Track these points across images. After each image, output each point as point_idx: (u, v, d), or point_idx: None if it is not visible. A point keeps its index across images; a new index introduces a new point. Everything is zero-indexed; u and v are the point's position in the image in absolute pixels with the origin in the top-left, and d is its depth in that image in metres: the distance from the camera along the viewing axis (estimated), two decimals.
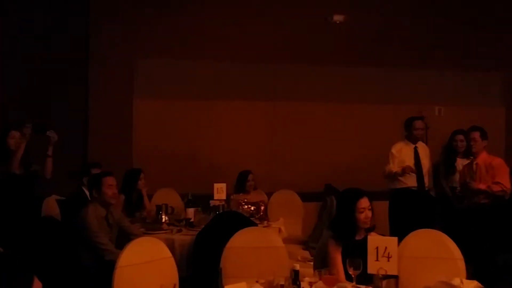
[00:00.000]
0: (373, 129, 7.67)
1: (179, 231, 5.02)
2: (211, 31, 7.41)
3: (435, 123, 7.39)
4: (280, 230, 5.36)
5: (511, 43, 8.11)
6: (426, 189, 6.18)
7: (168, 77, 7.37)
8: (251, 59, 7.55)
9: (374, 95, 7.84)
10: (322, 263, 3.49)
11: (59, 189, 5.81)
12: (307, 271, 3.41)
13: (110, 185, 4.60)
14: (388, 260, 3.09)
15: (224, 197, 5.74)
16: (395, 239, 3.19)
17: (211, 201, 5.70)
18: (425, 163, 6.20)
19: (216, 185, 5.71)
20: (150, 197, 6.16)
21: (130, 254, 3.32)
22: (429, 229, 3.73)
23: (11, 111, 6.68)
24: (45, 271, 2.96)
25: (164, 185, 6.68)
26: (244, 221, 4.67)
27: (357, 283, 3.09)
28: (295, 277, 3.00)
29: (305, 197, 6.99)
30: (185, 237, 4.83)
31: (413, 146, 6.24)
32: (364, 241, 3.25)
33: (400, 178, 6.09)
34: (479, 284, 2.97)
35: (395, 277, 3.04)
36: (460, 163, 5.94)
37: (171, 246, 4.34)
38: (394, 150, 6.18)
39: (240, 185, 6.41)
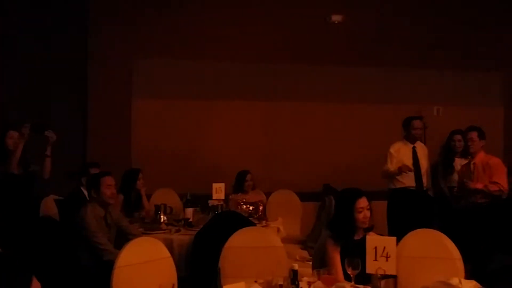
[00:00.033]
0: (372, 129, 7.67)
1: (178, 231, 5.01)
2: (211, 31, 7.42)
3: (434, 123, 7.39)
4: (278, 230, 5.36)
5: (511, 43, 8.10)
6: (425, 189, 6.17)
7: (167, 77, 7.38)
8: (251, 59, 7.55)
9: (374, 95, 7.83)
10: (320, 263, 3.49)
11: (57, 189, 5.81)
12: (305, 271, 3.39)
13: (109, 185, 4.60)
14: (387, 260, 3.08)
15: (222, 197, 5.73)
16: (394, 239, 3.18)
17: (209, 201, 5.69)
18: (424, 163, 6.20)
19: (214, 185, 5.70)
20: (148, 197, 6.16)
21: (129, 254, 3.31)
22: (428, 229, 3.73)
23: (11, 111, 6.69)
24: (44, 271, 2.96)
25: (162, 185, 6.68)
26: (243, 221, 4.66)
27: (356, 283, 3.08)
28: (294, 277, 2.99)
29: (304, 197, 6.99)
30: (183, 237, 4.82)
31: (412, 146, 6.24)
32: (363, 241, 3.25)
33: (398, 178, 6.09)
34: (478, 284, 2.97)
35: (394, 277, 3.04)
36: (458, 163, 5.94)
37: (169, 246, 4.33)
38: (392, 149, 6.18)
39: (238, 185, 6.40)
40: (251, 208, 5.73)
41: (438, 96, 8.00)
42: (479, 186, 5.35)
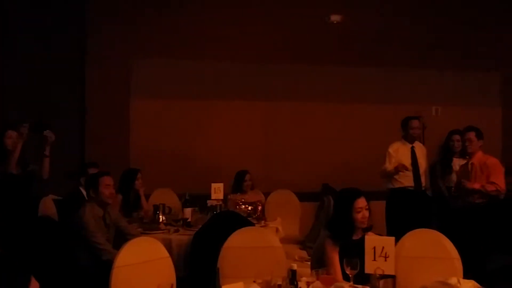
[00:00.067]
0: (371, 129, 7.66)
1: (177, 231, 5.00)
2: (211, 31, 7.42)
3: (432, 123, 7.38)
4: (277, 230, 5.35)
5: (511, 43, 8.10)
6: (423, 189, 6.17)
7: (166, 77, 7.38)
8: (250, 59, 7.55)
9: (374, 95, 7.83)
10: (319, 263, 3.48)
11: (56, 189, 5.80)
12: (304, 271, 3.39)
13: (107, 185, 4.60)
14: (385, 260, 3.07)
15: (221, 197, 5.72)
16: (392, 239, 3.17)
17: (208, 201, 5.69)
18: (422, 163, 6.20)
19: (213, 185, 5.70)
20: (147, 197, 6.15)
21: (128, 254, 3.31)
22: (426, 229, 3.73)
23: (11, 111, 6.68)
24: (42, 271, 2.95)
25: (161, 185, 6.68)
26: (242, 221, 4.66)
27: (355, 282, 3.07)
28: (293, 277, 2.99)
29: (303, 197, 6.99)
30: (182, 237, 4.81)
31: (410, 145, 6.24)
32: (362, 241, 3.24)
33: (396, 178, 6.10)
34: (476, 284, 2.96)
35: (392, 276, 3.03)
36: (457, 163, 5.95)
37: (168, 246, 4.33)
38: (391, 149, 6.19)
39: (237, 185, 6.39)
40: (249, 208, 5.72)
41: (437, 96, 8.00)
42: (476, 186, 5.34)
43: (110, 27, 7.18)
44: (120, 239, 4.49)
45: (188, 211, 5.31)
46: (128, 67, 7.30)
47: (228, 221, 4.63)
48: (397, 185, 6.12)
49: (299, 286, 3.00)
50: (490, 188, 5.29)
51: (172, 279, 3.42)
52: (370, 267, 3.06)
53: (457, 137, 6.01)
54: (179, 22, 7.39)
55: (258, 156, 7.48)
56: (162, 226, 5.10)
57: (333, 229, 3.53)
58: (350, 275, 3.08)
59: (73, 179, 5.87)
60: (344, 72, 7.78)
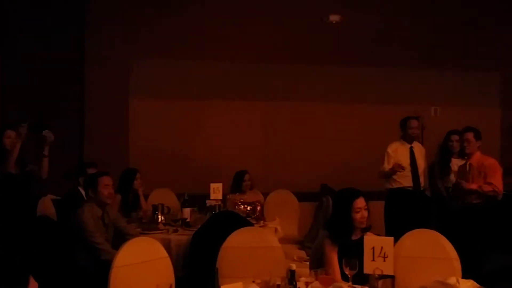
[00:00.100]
0: (371, 129, 7.65)
1: (175, 231, 5.00)
2: (211, 31, 7.41)
3: (431, 123, 7.38)
4: (276, 230, 5.34)
5: (511, 43, 8.09)
6: (422, 189, 6.17)
7: (165, 77, 7.38)
8: (250, 59, 7.55)
9: (373, 95, 7.83)
10: (318, 263, 3.48)
11: (55, 189, 5.80)
12: (303, 271, 3.39)
13: (106, 185, 4.60)
14: (384, 260, 3.07)
15: (220, 197, 5.72)
16: (391, 239, 3.17)
17: (207, 201, 5.69)
18: (421, 163, 6.20)
19: (212, 185, 5.69)
20: (146, 197, 6.14)
21: (126, 254, 3.31)
22: (425, 229, 3.74)
23: (11, 111, 6.68)
24: (41, 271, 2.95)
25: (160, 185, 6.66)
26: (240, 221, 4.65)
27: (353, 283, 3.08)
28: (291, 277, 2.99)
29: (301, 197, 6.99)
30: (181, 237, 4.81)
31: (409, 146, 6.24)
32: (360, 241, 3.23)
33: (395, 178, 6.11)
34: (475, 283, 2.96)
35: (391, 277, 3.02)
36: (455, 163, 5.93)
37: (167, 246, 4.34)
38: (390, 149, 6.19)
39: (236, 185, 6.38)
40: (248, 208, 5.72)
41: (436, 96, 7.99)
42: (473, 186, 5.34)
43: (110, 27, 7.18)
44: (119, 239, 4.49)
45: (187, 211, 5.31)
46: (127, 67, 7.30)
47: (227, 221, 4.62)
48: (396, 185, 6.12)
49: (298, 286, 3.00)
50: (487, 188, 5.28)
51: (171, 279, 3.42)
52: (369, 267, 3.06)
53: (455, 137, 6.00)
54: (179, 22, 7.38)
55: (257, 156, 7.48)
56: (161, 226, 5.10)
57: (332, 229, 3.53)
58: (349, 275, 3.08)
59: (72, 179, 5.85)
60: (344, 72, 7.77)
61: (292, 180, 7.23)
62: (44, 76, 6.94)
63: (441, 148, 6.20)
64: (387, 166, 6.10)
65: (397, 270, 3.16)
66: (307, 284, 3.02)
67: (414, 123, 6.24)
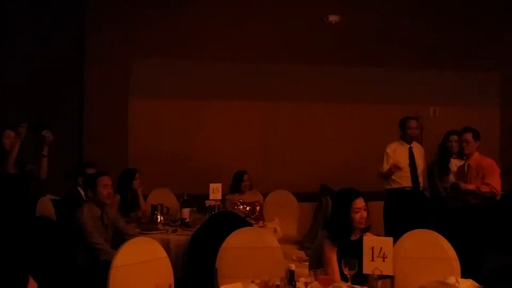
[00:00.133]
0: (370, 129, 7.64)
1: (175, 231, 5.00)
2: (211, 31, 7.41)
3: (431, 123, 7.38)
4: (275, 230, 5.34)
5: (511, 43, 8.09)
6: (421, 189, 6.18)
7: (165, 77, 7.38)
8: (250, 59, 7.54)
9: (373, 95, 7.82)
10: (317, 263, 3.48)
11: (54, 189, 5.80)
12: (302, 271, 3.39)
13: (105, 185, 4.60)
14: (384, 260, 3.08)
15: (219, 197, 5.72)
16: (391, 239, 3.17)
17: (206, 201, 5.68)
18: (420, 163, 6.20)
19: (211, 185, 5.69)
20: (145, 197, 6.13)
21: (126, 254, 3.32)
22: (424, 230, 3.75)
23: (11, 111, 6.68)
24: (41, 271, 2.96)
25: (159, 185, 6.66)
26: (240, 221, 4.66)
27: (353, 283, 3.08)
28: (291, 277, 3.00)
29: (301, 197, 6.99)
30: (180, 237, 4.82)
31: (408, 146, 6.25)
32: (360, 241, 3.24)
33: (394, 178, 6.11)
34: (475, 283, 2.97)
35: (391, 277, 3.03)
36: (454, 163, 5.93)
37: (166, 246, 4.35)
38: (389, 150, 6.20)
39: (235, 185, 6.38)
40: (248, 208, 5.72)
41: (436, 96, 7.98)
42: (471, 187, 5.34)
43: (110, 27, 7.18)
44: (118, 239, 4.50)
45: (186, 211, 5.30)
46: (127, 67, 7.29)
47: (226, 222, 4.62)
48: (395, 186, 6.13)
49: (297, 287, 3.00)
50: (485, 189, 5.28)
51: (170, 279, 3.43)
52: (368, 268, 3.07)
53: (454, 137, 5.99)
54: (179, 22, 7.38)
55: (257, 156, 7.48)
56: (160, 226, 5.10)
57: (331, 230, 3.53)
58: (348, 276, 3.09)
59: (71, 179, 5.85)
60: (344, 72, 7.77)
61: (291, 180, 7.22)
62: (44, 76, 6.94)
63: (440, 148, 6.19)
64: (386, 167, 6.10)
65: (396, 270, 3.17)
66: (306, 284, 3.03)
67: (413, 123, 6.24)
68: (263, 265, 3.53)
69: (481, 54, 8.00)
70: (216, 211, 5.45)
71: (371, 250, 3.10)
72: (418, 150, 6.29)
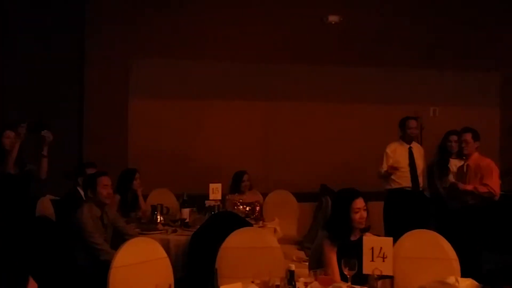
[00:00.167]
0: (370, 129, 7.64)
1: (174, 231, 4.99)
2: (211, 31, 7.41)
3: (430, 123, 7.37)
4: (275, 231, 5.34)
5: (511, 43, 8.09)
6: (421, 189, 6.18)
7: (165, 77, 7.38)
8: (250, 59, 7.54)
9: (373, 95, 7.82)
10: (317, 264, 3.48)
11: (54, 189, 5.79)
12: (302, 272, 3.38)
13: (105, 185, 4.60)
14: (383, 261, 3.08)
15: (219, 197, 5.71)
16: (390, 239, 3.17)
17: (206, 201, 5.68)
18: (420, 164, 6.21)
19: (211, 185, 5.69)
20: (145, 197, 6.13)
21: (125, 254, 3.32)
22: (424, 230, 3.75)
23: (11, 111, 6.68)
24: (41, 271, 2.96)
25: (159, 185, 6.66)
26: (240, 222, 4.65)
27: (353, 283, 3.08)
28: (291, 277, 3.00)
29: (301, 197, 6.99)
30: (180, 238, 4.81)
31: (408, 146, 6.25)
32: (360, 242, 3.24)
33: (394, 178, 6.12)
34: (474, 282, 2.97)
35: (390, 277, 3.03)
36: (454, 163, 5.93)
37: (166, 246, 4.34)
38: (388, 150, 6.20)
39: (235, 185, 6.37)
40: (247, 208, 5.72)
41: (436, 96, 7.97)
42: (469, 187, 5.34)
43: (110, 27, 7.18)
44: (118, 239, 4.49)
45: (186, 212, 5.30)
46: (127, 67, 7.29)
47: (226, 222, 4.62)
48: (395, 186, 6.13)
49: (297, 287, 3.00)
50: (483, 189, 5.29)
51: (170, 279, 3.43)
52: (368, 268, 3.07)
53: (454, 137, 5.99)
54: (179, 22, 7.38)
55: (257, 156, 7.48)
56: (160, 226, 5.09)
57: (331, 230, 3.53)
58: (348, 276, 3.09)
59: (71, 179, 5.85)
60: (344, 72, 7.77)
61: (291, 181, 7.22)
62: (44, 76, 6.94)
63: (439, 149, 6.19)
64: (385, 166, 6.11)
65: (396, 271, 3.17)
66: (306, 284, 3.03)
67: (413, 123, 6.24)
68: (263, 265, 3.53)
69: (481, 54, 8.00)
70: (216, 211, 5.44)
71: (371, 250, 3.10)
72: (418, 150, 6.29)
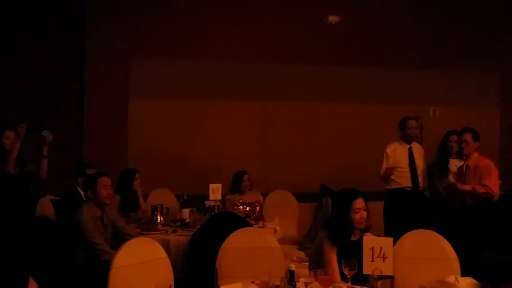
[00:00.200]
0: (370, 129, 7.64)
1: (175, 231, 5.00)
2: (211, 31, 7.41)
3: (430, 123, 7.37)
4: (275, 231, 5.34)
5: (511, 43, 8.08)
6: (421, 189, 6.18)
7: (165, 77, 7.38)
8: (250, 59, 7.54)
9: (373, 95, 7.82)
10: (317, 264, 3.47)
11: (54, 189, 5.79)
12: (302, 272, 3.39)
13: (105, 185, 4.60)
14: (383, 261, 3.07)
15: (219, 197, 5.71)
16: (391, 239, 3.17)
17: (206, 202, 5.68)
18: (420, 164, 6.21)
19: (211, 186, 5.68)
20: (145, 197, 6.14)
21: (126, 254, 3.32)
22: (424, 230, 3.75)
23: (11, 111, 6.68)
24: (41, 271, 2.95)
25: (159, 185, 6.66)
26: (240, 222, 4.65)
27: (353, 283, 3.08)
28: (291, 277, 3.00)
29: (301, 197, 6.99)
30: (180, 238, 4.82)
31: (408, 146, 6.25)
32: (360, 242, 3.24)
33: (394, 178, 6.13)
34: (474, 281, 2.97)
35: (391, 277, 3.03)
36: (454, 163, 5.93)
37: (166, 246, 4.34)
38: (388, 150, 6.21)
39: (235, 185, 6.37)
40: (247, 208, 5.72)
41: (436, 96, 7.97)
42: (467, 188, 5.34)
43: (110, 27, 7.18)
44: (118, 239, 4.50)
45: (186, 212, 5.30)
46: (127, 67, 7.29)
47: (226, 222, 4.62)
48: (395, 186, 6.14)
49: (297, 287, 3.00)
50: (481, 190, 5.29)
51: (170, 279, 3.43)
52: (368, 268, 3.07)
53: (454, 137, 5.99)
54: (179, 22, 7.38)
55: (257, 156, 7.48)
56: (160, 226, 5.10)
57: (331, 230, 3.52)
58: (348, 276, 3.09)
59: (71, 180, 5.85)
60: (344, 72, 7.77)
61: (291, 181, 7.22)
62: (44, 76, 6.94)
63: (439, 149, 6.19)
64: (385, 166, 6.12)
65: (396, 271, 3.16)
66: (306, 284, 3.03)
67: (413, 123, 6.24)
68: (263, 265, 3.53)
69: (481, 54, 8.00)
70: (216, 211, 5.44)
71: (371, 250, 3.10)
72: (418, 150, 6.29)
